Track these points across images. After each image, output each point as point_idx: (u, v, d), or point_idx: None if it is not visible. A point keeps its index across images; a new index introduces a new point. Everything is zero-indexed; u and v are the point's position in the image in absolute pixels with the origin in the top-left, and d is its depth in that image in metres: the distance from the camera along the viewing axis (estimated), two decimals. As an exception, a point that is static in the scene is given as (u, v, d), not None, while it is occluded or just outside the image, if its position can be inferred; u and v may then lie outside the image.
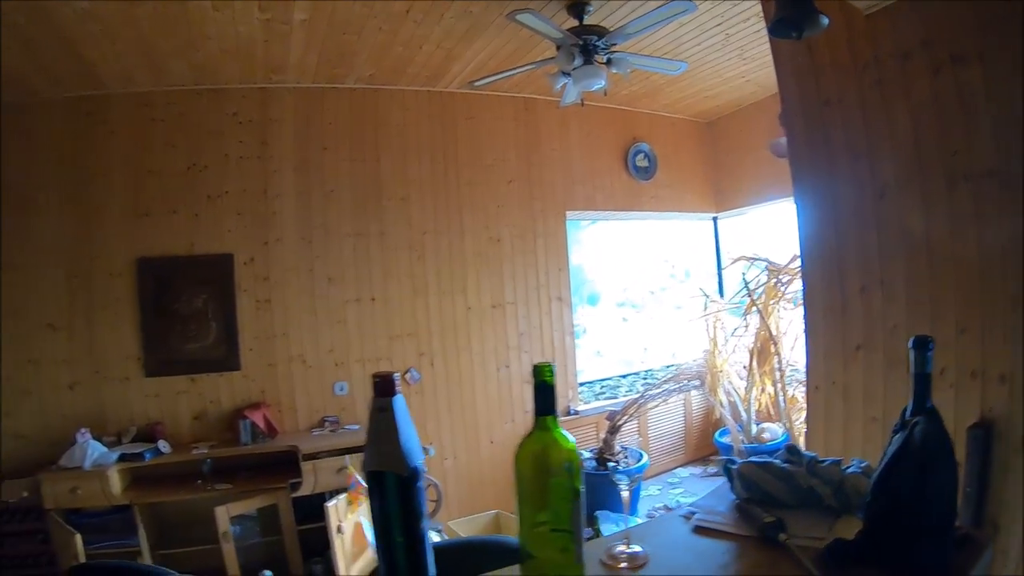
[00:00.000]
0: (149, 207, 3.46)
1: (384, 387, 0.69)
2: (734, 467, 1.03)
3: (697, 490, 4.22)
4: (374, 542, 0.96)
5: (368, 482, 0.69)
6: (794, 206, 2.19)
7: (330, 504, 2.71)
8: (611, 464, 3.67)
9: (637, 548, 0.87)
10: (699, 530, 0.94)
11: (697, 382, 4.60)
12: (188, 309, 3.47)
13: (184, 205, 3.51)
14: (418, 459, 0.70)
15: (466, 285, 4.11)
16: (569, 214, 4.51)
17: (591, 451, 3.94)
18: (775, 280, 4.17)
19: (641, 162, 4.84)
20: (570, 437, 0.72)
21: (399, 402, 0.69)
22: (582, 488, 0.70)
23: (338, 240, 3.80)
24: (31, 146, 3.32)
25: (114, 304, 3.39)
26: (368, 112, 3.88)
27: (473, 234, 4.14)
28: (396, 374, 0.69)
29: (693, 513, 0.99)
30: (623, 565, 0.84)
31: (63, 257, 3.37)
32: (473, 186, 4.16)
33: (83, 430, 3.30)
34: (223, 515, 2.97)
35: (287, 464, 3.23)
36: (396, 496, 0.68)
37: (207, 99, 3.54)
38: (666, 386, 4.36)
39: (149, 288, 3.43)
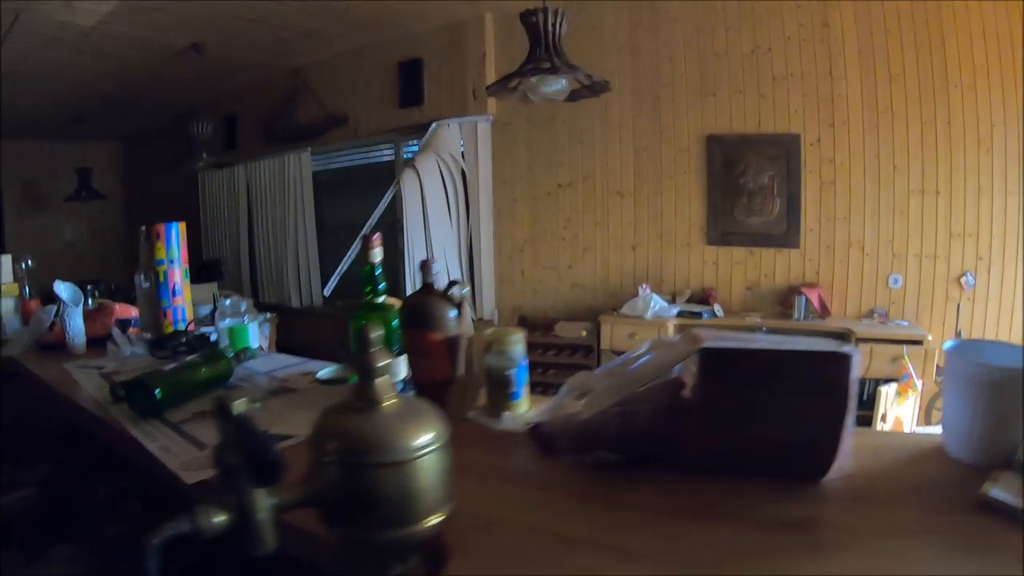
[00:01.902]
0: (715, 88, 3.55)
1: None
2: None
3: None
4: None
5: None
6: None
7: (883, 388, 2.71)
8: None
9: None
10: None
11: None
12: (753, 184, 3.44)
13: (750, 86, 3.54)
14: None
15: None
16: None
17: None
18: None
19: None
20: None
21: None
22: None
23: (903, 127, 3.52)
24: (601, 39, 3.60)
25: (681, 176, 3.50)
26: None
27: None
28: None
29: None
30: None
31: (632, 133, 3.55)
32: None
33: (644, 285, 3.42)
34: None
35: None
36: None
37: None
38: None
39: (716, 163, 3.47)
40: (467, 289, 0.99)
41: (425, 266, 0.99)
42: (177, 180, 5.75)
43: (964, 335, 3.35)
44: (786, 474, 0.67)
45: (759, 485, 0.66)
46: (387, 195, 3.97)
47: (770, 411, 0.66)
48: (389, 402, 0.50)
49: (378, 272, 1.07)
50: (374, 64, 4.36)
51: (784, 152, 3.56)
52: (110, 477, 1.42)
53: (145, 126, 6.51)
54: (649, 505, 0.64)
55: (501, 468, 0.77)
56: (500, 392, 0.93)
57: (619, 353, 2.87)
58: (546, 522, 0.62)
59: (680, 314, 3.33)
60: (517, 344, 0.94)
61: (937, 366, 3.05)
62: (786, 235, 3.52)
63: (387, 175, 4.37)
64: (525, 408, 0.94)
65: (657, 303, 3.37)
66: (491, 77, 3.90)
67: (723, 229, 3.54)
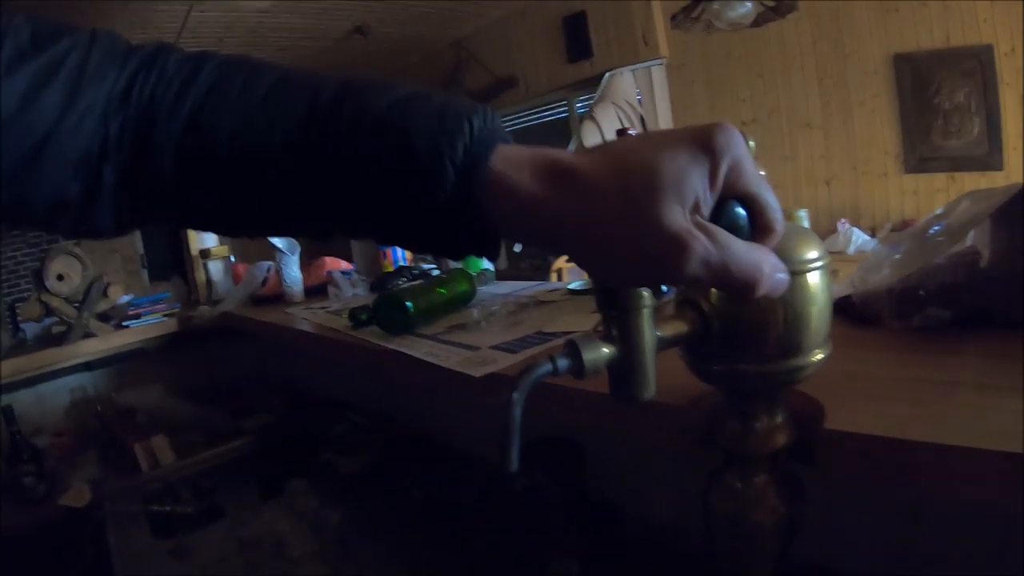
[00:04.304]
0: (896, 3, 3.48)
1: None
2: None
3: None
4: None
5: None
6: None
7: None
8: None
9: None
10: None
11: None
12: (949, 104, 3.44)
13: None
14: None
15: None
16: None
17: None
18: None
19: None
20: None
21: None
22: None
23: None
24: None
25: (870, 101, 3.53)
26: None
27: None
28: None
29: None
30: None
31: (814, 59, 3.56)
32: None
33: (843, 220, 3.51)
34: None
35: None
36: None
37: None
38: None
39: (906, 84, 3.45)
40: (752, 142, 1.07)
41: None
42: None
43: None
44: None
45: None
46: (569, 148, 4.19)
47: None
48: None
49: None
50: (537, 23, 4.52)
51: (978, 65, 3.52)
52: (337, 419, 1.57)
53: None
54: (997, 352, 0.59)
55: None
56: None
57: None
58: (907, 371, 0.59)
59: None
60: (802, 220, 1.04)
61: None
62: (988, 156, 3.55)
63: (562, 132, 4.60)
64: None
65: (859, 237, 3.51)
66: (658, 20, 4.01)
67: (920, 155, 3.61)
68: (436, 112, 0.37)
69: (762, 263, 0.35)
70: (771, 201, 0.36)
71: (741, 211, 0.36)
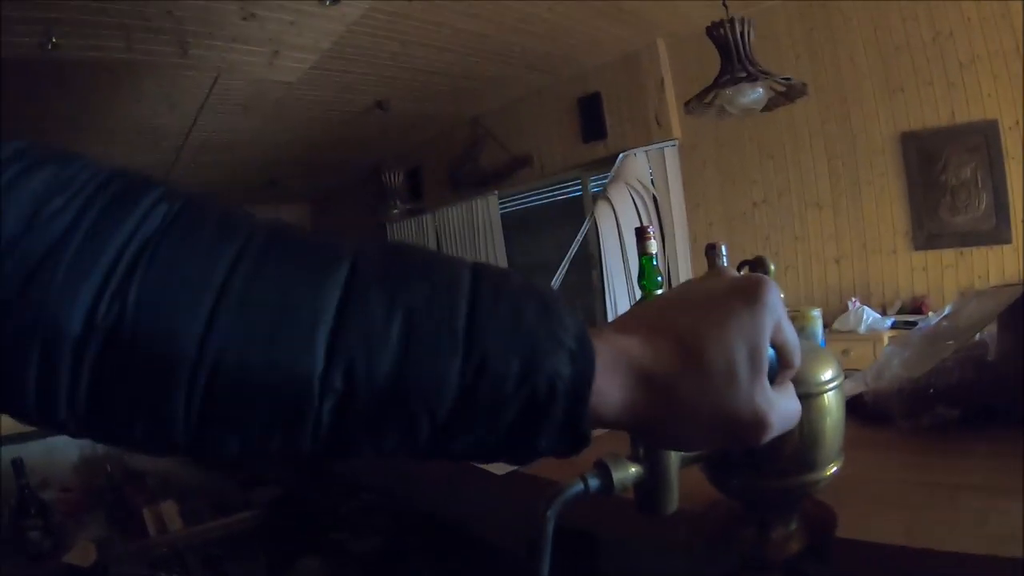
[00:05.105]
0: (902, 82, 3.59)
1: None
2: None
3: None
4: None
5: None
6: None
7: None
8: None
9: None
10: None
11: None
12: (956, 180, 3.52)
13: (937, 75, 3.55)
14: None
15: None
16: None
17: None
18: None
19: None
20: None
21: None
22: None
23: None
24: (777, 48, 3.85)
25: (879, 180, 3.62)
26: None
27: None
28: None
29: None
30: None
31: (823, 140, 3.66)
32: None
33: (854, 299, 3.52)
34: None
35: None
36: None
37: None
38: None
39: (913, 162, 3.53)
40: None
41: (713, 249, 1.02)
42: (365, 234, 6.35)
43: None
44: None
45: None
46: (584, 227, 4.30)
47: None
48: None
49: (655, 263, 1.16)
50: (553, 103, 4.69)
51: (983, 140, 3.59)
52: (348, 497, 1.56)
53: (333, 185, 7.27)
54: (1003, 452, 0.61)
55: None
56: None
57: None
58: (915, 475, 0.60)
59: (895, 325, 3.46)
60: (816, 320, 1.02)
61: None
62: (996, 230, 3.58)
63: (575, 211, 4.71)
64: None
65: (870, 315, 3.51)
66: (671, 103, 4.15)
67: (928, 231, 3.65)
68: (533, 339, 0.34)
69: (794, 413, 0.37)
70: (795, 340, 0.38)
71: (773, 355, 0.38)
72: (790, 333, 0.38)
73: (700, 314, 0.37)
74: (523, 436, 0.34)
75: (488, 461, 0.38)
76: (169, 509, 1.65)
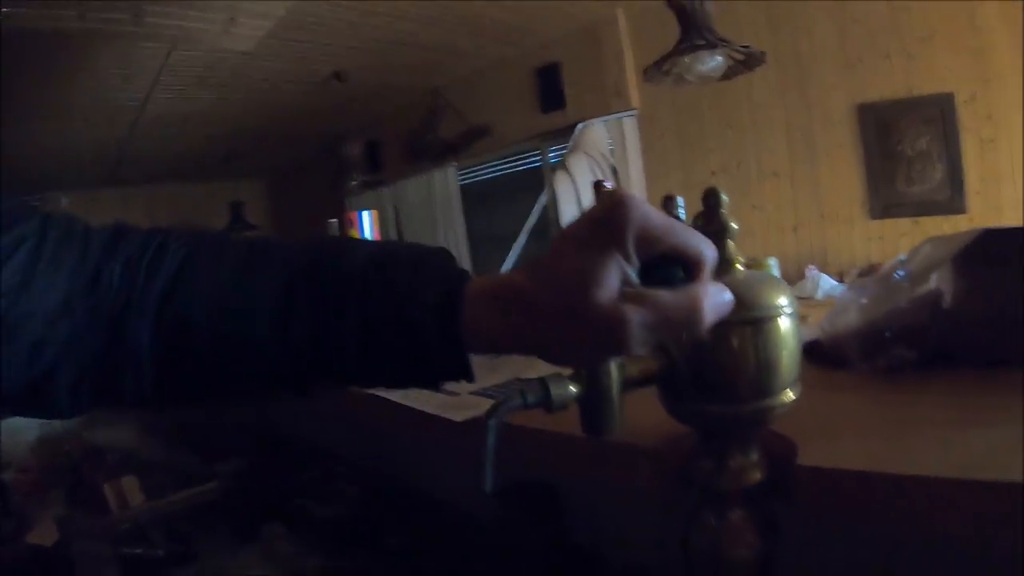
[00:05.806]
0: (860, 54, 3.64)
1: None
2: None
3: None
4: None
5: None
6: None
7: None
8: None
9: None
10: None
11: None
12: (912, 151, 3.58)
13: (895, 48, 3.61)
14: None
15: None
16: None
17: None
18: None
19: None
20: None
21: None
22: None
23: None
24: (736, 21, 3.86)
25: (836, 150, 3.67)
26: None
27: None
28: None
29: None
30: None
31: (782, 111, 3.70)
32: None
33: (811, 267, 3.59)
34: None
35: None
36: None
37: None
38: None
39: (870, 133, 3.60)
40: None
41: (671, 200, 1.00)
42: (323, 207, 6.21)
43: None
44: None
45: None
46: (540, 198, 4.28)
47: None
48: (739, 265, 0.50)
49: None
50: (512, 73, 4.64)
51: (939, 113, 3.67)
52: (313, 465, 1.58)
53: (290, 159, 7.10)
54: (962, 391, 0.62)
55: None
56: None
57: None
58: (876, 410, 0.61)
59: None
60: (772, 268, 1.09)
61: None
62: (951, 201, 3.68)
63: (534, 182, 4.69)
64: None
65: (827, 282, 3.58)
66: (630, 73, 4.13)
67: (885, 201, 3.73)
68: (411, 265, 0.43)
69: (696, 297, 0.38)
70: (690, 240, 0.39)
71: (668, 266, 0.39)
72: (674, 234, 0.38)
73: (558, 239, 0.40)
74: (415, 354, 0.41)
75: (399, 386, 0.47)
76: (130, 484, 1.62)
